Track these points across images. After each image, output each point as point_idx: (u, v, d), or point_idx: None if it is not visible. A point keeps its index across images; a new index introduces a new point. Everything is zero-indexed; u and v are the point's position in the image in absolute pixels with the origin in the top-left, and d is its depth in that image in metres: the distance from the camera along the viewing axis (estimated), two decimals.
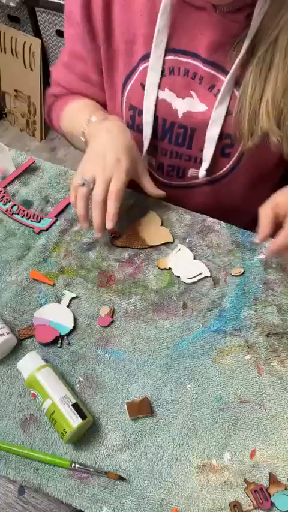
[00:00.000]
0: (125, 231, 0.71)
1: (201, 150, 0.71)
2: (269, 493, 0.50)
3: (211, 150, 0.70)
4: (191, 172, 0.76)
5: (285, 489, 0.50)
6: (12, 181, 0.78)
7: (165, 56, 0.66)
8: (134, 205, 0.75)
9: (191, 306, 0.64)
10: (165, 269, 0.68)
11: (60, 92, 0.81)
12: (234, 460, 0.52)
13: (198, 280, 0.66)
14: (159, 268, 0.68)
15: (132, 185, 0.79)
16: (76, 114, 0.75)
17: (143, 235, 0.71)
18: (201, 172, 0.73)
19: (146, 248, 0.70)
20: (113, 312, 0.63)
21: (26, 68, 1.89)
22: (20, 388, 0.57)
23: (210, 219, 0.73)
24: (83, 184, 0.63)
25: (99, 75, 0.75)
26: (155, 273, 0.67)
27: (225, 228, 0.72)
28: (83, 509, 0.50)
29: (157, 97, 0.68)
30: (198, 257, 0.69)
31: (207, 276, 0.66)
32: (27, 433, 0.54)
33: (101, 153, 0.64)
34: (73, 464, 0.51)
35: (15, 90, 2.01)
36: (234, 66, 0.61)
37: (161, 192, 0.71)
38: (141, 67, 0.68)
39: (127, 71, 0.70)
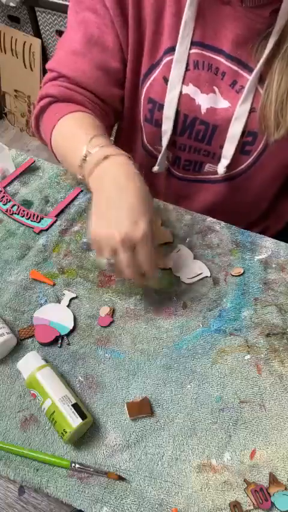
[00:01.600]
0: None
1: (221, 146, 0.70)
2: (269, 493, 0.50)
3: (232, 148, 0.69)
4: (207, 166, 0.76)
5: (285, 489, 0.50)
6: (12, 181, 0.78)
7: (190, 49, 0.64)
8: None
9: (191, 306, 0.64)
10: (165, 269, 0.68)
11: (59, 94, 0.69)
12: (234, 460, 0.52)
13: (198, 280, 0.66)
14: (159, 268, 0.68)
15: None
16: (70, 138, 0.64)
17: None
18: (221, 169, 0.72)
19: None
20: (113, 312, 0.63)
21: (26, 68, 1.90)
22: (20, 388, 0.57)
23: (210, 219, 0.73)
24: (110, 261, 0.56)
25: (120, 63, 0.69)
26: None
27: (225, 228, 0.72)
28: (83, 509, 0.50)
29: (180, 92, 0.67)
30: (198, 257, 0.69)
31: (207, 276, 0.66)
32: (27, 433, 0.54)
33: (114, 215, 0.53)
34: (73, 464, 0.51)
35: (15, 90, 2.01)
36: (259, 64, 0.61)
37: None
38: (165, 60, 0.66)
39: (150, 63, 0.68)
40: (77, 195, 0.76)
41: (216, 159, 0.73)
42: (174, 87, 0.67)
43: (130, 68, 0.70)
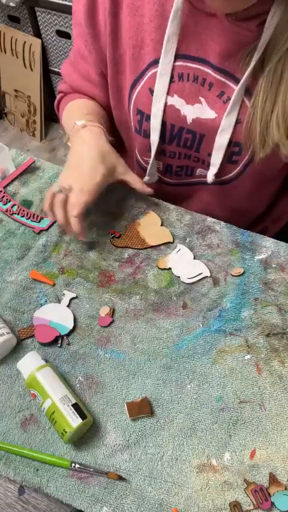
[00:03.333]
0: (124, 231, 0.71)
1: (209, 154, 0.71)
2: (269, 493, 0.50)
3: (219, 157, 0.70)
4: (199, 171, 0.76)
5: (285, 489, 0.50)
6: (12, 181, 0.78)
7: (174, 61, 0.65)
8: (134, 205, 0.75)
9: (191, 306, 0.64)
10: (165, 269, 0.68)
11: (66, 90, 0.82)
12: (234, 460, 0.52)
13: (198, 280, 0.66)
14: (159, 268, 0.68)
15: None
16: (70, 116, 0.76)
17: (143, 235, 0.71)
18: (209, 177, 0.73)
19: (146, 248, 0.70)
20: (113, 312, 0.63)
21: (26, 68, 1.89)
22: (20, 388, 0.57)
23: (210, 219, 0.73)
24: (60, 192, 0.65)
25: (99, 76, 0.75)
26: (155, 273, 0.67)
27: (225, 228, 0.72)
28: (83, 509, 0.50)
29: (165, 103, 0.68)
30: (198, 257, 0.69)
31: (207, 276, 0.66)
32: (27, 433, 0.54)
33: (76, 164, 0.67)
34: (73, 464, 0.51)
35: (15, 90, 2.01)
36: (245, 76, 0.61)
37: (148, 190, 0.72)
38: (149, 72, 0.67)
39: (134, 76, 0.69)
40: None
41: (206, 165, 0.74)
42: (159, 98, 0.67)
43: (112, 82, 0.73)
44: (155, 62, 0.66)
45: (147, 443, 0.53)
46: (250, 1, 0.54)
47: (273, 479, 0.51)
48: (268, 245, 0.70)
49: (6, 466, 0.52)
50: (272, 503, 0.49)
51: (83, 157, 0.67)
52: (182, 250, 0.69)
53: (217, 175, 0.73)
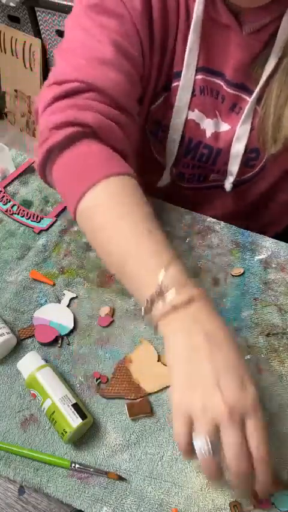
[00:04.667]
0: (113, 373, 0.58)
1: (225, 163, 0.71)
2: None
3: (236, 165, 0.70)
4: (212, 176, 0.77)
5: (285, 489, 0.50)
6: (12, 181, 0.78)
7: (195, 75, 0.64)
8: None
9: None
10: None
11: (94, 120, 0.54)
12: None
13: (198, 280, 0.66)
14: None
15: None
16: (132, 247, 0.49)
17: (136, 378, 0.57)
18: (227, 185, 0.73)
19: (141, 397, 0.56)
20: (113, 312, 0.63)
21: (26, 68, 1.89)
22: (20, 388, 0.57)
23: (210, 219, 0.73)
24: (206, 451, 0.41)
25: (139, 77, 0.62)
26: None
27: (225, 228, 0.72)
28: (83, 509, 0.50)
29: (186, 117, 0.67)
30: (198, 257, 0.69)
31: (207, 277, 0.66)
32: (27, 433, 0.54)
33: (213, 377, 0.41)
34: (73, 465, 0.51)
35: (15, 90, 2.01)
36: (259, 86, 0.61)
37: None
38: (173, 84, 0.66)
39: (161, 84, 0.66)
40: None
41: (222, 172, 0.74)
42: (180, 113, 0.67)
43: (145, 83, 0.65)
44: (177, 75, 0.65)
45: (147, 443, 0.53)
46: None
47: (273, 479, 0.50)
48: (268, 245, 0.70)
49: (6, 466, 0.52)
50: (272, 503, 0.49)
51: (218, 366, 0.42)
52: None
53: (234, 180, 0.73)
